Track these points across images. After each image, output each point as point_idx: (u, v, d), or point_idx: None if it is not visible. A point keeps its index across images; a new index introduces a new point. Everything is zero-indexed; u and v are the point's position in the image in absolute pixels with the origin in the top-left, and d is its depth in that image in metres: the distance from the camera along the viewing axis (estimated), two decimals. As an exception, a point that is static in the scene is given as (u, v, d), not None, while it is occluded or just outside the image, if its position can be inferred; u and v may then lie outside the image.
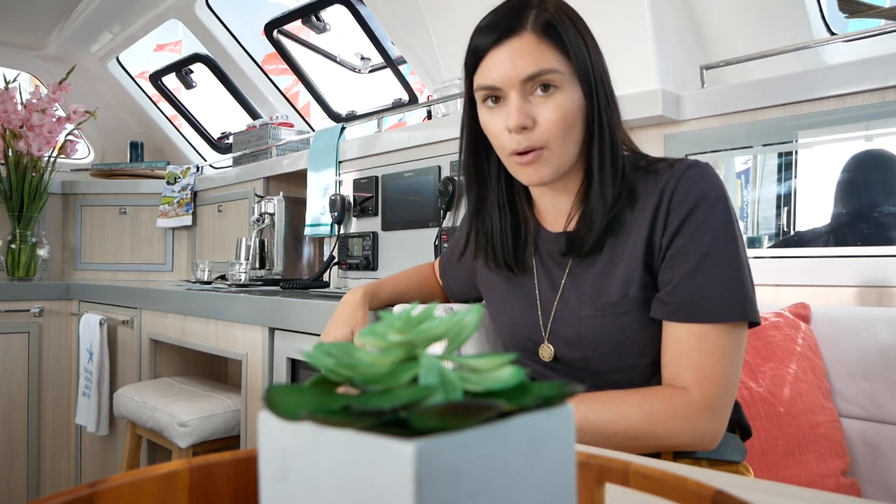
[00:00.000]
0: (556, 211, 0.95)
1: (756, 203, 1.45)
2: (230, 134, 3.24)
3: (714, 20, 1.57)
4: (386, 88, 2.77)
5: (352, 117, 2.74)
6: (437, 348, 0.38)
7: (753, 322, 0.82)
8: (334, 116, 2.80)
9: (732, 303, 0.80)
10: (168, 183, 3.18)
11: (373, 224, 2.18)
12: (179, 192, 3.14)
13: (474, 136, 0.93)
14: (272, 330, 1.70)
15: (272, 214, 2.46)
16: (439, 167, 1.94)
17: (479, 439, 0.24)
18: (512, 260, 0.97)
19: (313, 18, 2.61)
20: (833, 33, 1.49)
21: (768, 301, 1.33)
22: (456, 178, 1.85)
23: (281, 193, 2.51)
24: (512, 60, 0.82)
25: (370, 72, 2.80)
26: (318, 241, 2.56)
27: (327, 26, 2.65)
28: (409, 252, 2.04)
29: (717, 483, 0.42)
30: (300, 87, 2.94)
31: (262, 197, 2.53)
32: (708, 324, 0.80)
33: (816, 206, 1.35)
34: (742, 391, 1.11)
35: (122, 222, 3.22)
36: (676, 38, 1.52)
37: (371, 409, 0.24)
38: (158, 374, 2.32)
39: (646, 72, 1.45)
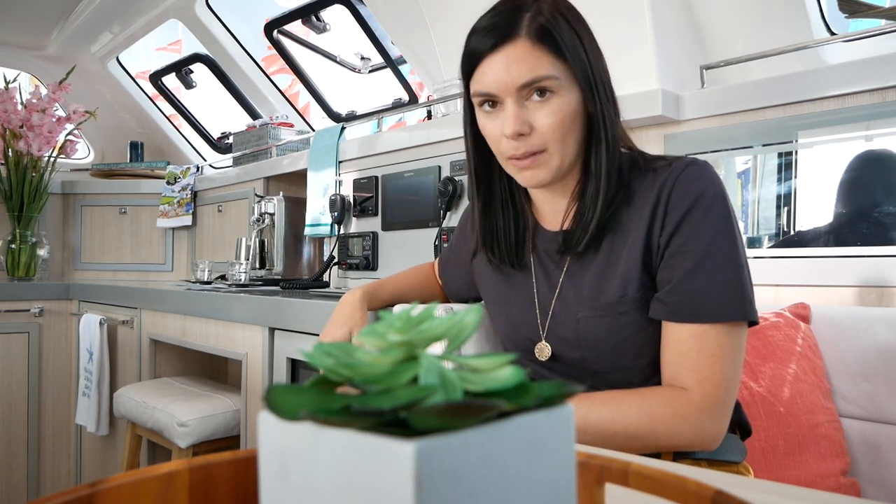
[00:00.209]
0: (553, 210, 0.95)
1: (756, 203, 1.45)
2: (230, 134, 3.24)
3: (714, 20, 1.57)
4: (386, 88, 2.77)
5: (352, 117, 2.74)
6: (437, 348, 0.38)
7: (752, 322, 0.82)
8: (334, 116, 2.80)
9: (732, 302, 0.80)
10: (168, 183, 3.18)
11: (373, 224, 2.18)
12: (179, 192, 3.14)
13: (476, 137, 0.93)
14: (272, 330, 1.70)
15: (272, 214, 2.46)
16: (439, 167, 1.94)
17: (479, 439, 0.24)
18: (514, 256, 0.97)
19: (313, 18, 2.61)
20: (833, 33, 1.49)
21: (768, 301, 1.33)
22: (456, 178, 1.86)
23: (281, 193, 2.51)
24: (507, 67, 0.82)
25: (370, 72, 2.79)
26: (318, 241, 2.56)
27: (327, 26, 2.65)
28: (409, 252, 2.04)
29: (717, 483, 0.42)
30: (300, 87, 2.94)
31: (262, 197, 2.53)
32: (707, 324, 0.80)
33: (816, 206, 1.35)
34: (742, 391, 1.11)
35: (122, 222, 3.22)
36: (676, 38, 1.52)
37: (371, 409, 0.24)
38: (158, 374, 2.32)
39: (646, 72, 1.45)
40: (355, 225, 2.26)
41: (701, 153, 1.46)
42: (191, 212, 3.12)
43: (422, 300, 1.22)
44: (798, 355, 1.15)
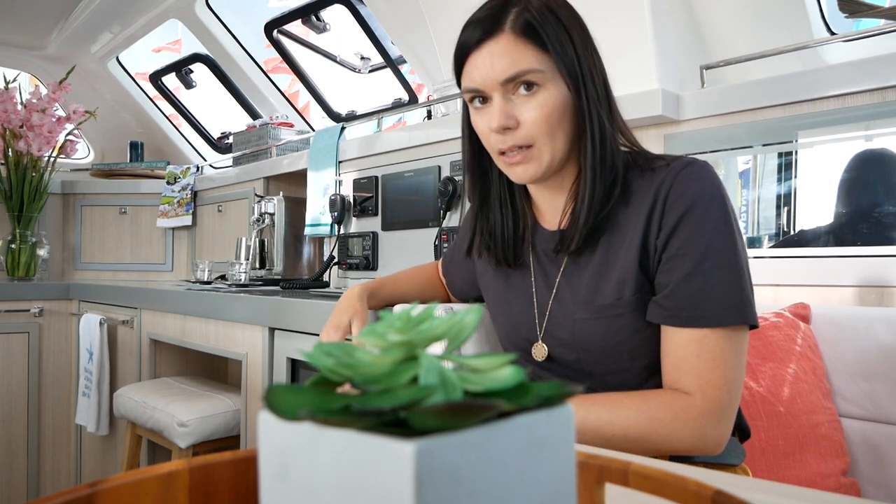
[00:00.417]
0: (552, 208, 0.94)
1: (756, 203, 1.45)
2: (230, 134, 3.24)
3: (714, 20, 1.57)
4: (386, 88, 2.77)
5: (352, 117, 2.74)
6: (437, 348, 0.38)
7: (753, 325, 0.81)
8: (334, 116, 2.80)
9: (731, 307, 0.78)
10: (168, 183, 3.18)
11: (373, 224, 2.18)
12: (179, 191, 3.14)
13: (472, 133, 0.92)
14: (272, 330, 1.70)
15: (272, 214, 2.46)
16: (439, 167, 1.94)
17: (479, 439, 0.24)
18: (511, 255, 0.96)
19: (313, 18, 2.61)
20: (833, 33, 1.49)
21: (768, 301, 1.33)
22: (456, 178, 1.86)
23: (281, 193, 2.51)
24: (492, 62, 0.82)
25: (370, 72, 2.80)
26: (318, 241, 2.56)
27: (327, 26, 2.65)
28: (409, 252, 2.04)
29: (717, 483, 0.42)
30: (300, 86, 2.94)
31: (262, 197, 2.53)
32: (707, 328, 0.79)
33: (816, 205, 1.35)
34: (742, 391, 1.11)
35: (122, 222, 3.22)
36: (676, 38, 1.52)
37: (371, 409, 0.24)
38: (158, 374, 2.32)
39: (646, 72, 1.45)
40: (355, 225, 2.26)
41: (701, 153, 1.46)
42: (191, 212, 3.12)
43: (422, 299, 1.21)
44: (798, 355, 1.15)
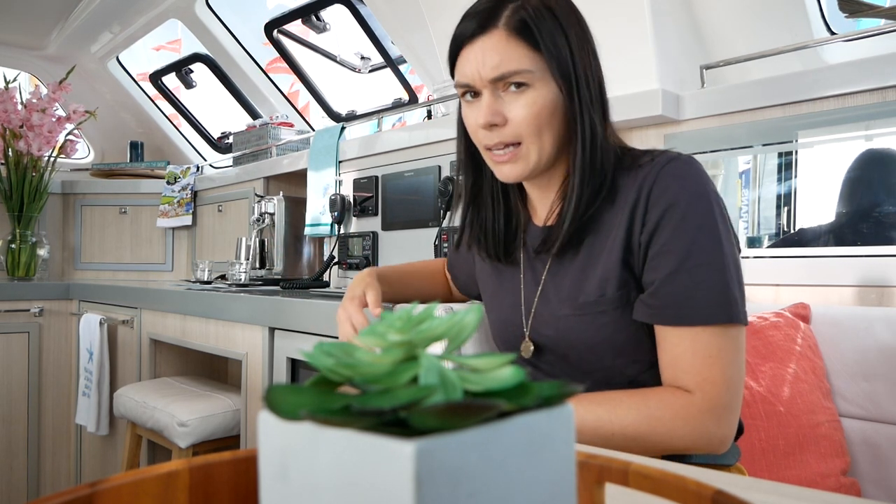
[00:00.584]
0: (543, 206, 0.94)
1: (756, 203, 1.45)
2: (230, 134, 3.24)
3: (714, 20, 1.57)
4: (386, 88, 2.77)
5: (352, 117, 2.74)
6: (437, 348, 0.38)
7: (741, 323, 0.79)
8: (334, 116, 2.80)
9: (716, 305, 0.77)
10: (168, 183, 3.18)
11: (373, 224, 2.18)
12: (179, 191, 3.14)
13: (466, 128, 0.92)
14: (272, 330, 1.70)
15: (272, 214, 2.46)
16: (439, 167, 1.94)
17: (479, 439, 0.24)
18: (502, 251, 0.96)
19: (313, 18, 2.61)
20: (833, 33, 1.49)
21: (768, 301, 1.33)
22: (456, 177, 1.85)
23: (281, 193, 2.51)
24: (483, 58, 0.82)
25: (370, 72, 2.80)
26: (318, 240, 2.56)
27: (327, 26, 2.65)
28: (409, 252, 2.04)
29: (717, 483, 0.42)
30: (300, 86, 2.94)
31: (262, 197, 2.53)
32: (697, 326, 0.78)
33: (816, 205, 1.35)
34: (743, 389, 1.11)
35: (122, 222, 3.22)
36: (676, 38, 1.52)
37: (371, 409, 0.24)
38: (158, 374, 2.32)
39: (646, 71, 1.45)
40: (355, 225, 2.26)
41: (701, 153, 1.46)
42: (191, 212, 3.12)
43: (423, 291, 1.21)
44: (798, 355, 1.15)
